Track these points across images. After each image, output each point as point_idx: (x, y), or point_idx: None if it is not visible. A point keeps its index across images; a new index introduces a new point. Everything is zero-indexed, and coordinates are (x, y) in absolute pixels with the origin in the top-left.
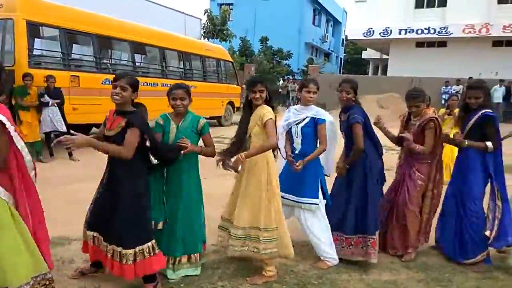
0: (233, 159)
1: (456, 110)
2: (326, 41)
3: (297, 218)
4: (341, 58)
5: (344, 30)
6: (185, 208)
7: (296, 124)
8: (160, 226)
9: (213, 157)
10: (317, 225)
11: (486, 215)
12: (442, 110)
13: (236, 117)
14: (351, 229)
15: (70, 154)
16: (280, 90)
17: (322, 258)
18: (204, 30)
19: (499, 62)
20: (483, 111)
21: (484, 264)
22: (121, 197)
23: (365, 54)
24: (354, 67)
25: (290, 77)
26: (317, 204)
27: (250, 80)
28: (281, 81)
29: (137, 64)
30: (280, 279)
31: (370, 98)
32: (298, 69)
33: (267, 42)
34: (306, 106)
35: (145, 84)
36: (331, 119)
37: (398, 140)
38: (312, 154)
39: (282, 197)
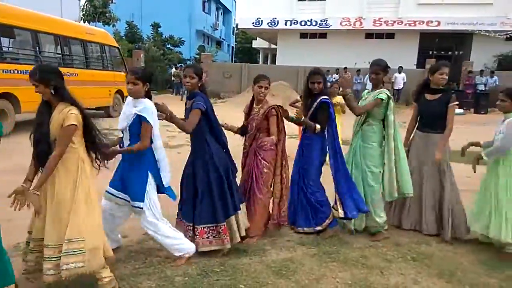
0: None
1: (337, 98)
2: (217, 29)
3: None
4: (232, 47)
5: (234, 19)
6: None
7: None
8: None
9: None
10: (153, 224)
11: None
12: None
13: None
14: (201, 219)
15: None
16: (172, 78)
17: (177, 254)
18: (84, 12)
19: (371, 52)
20: (322, 97)
21: (330, 228)
22: None
23: (255, 43)
24: (245, 56)
25: (183, 65)
26: (141, 208)
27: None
28: (173, 69)
29: (4, 49)
30: (182, 271)
31: None
32: (190, 57)
33: (158, 28)
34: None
35: (15, 71)
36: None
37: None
38: (124, 149)
39: (117, 196)
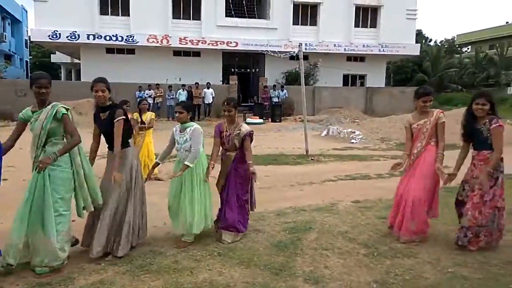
0: None
1: (148, 113)
2: (5, 41)
3: None
4: (26, 61)
5: (27, 31)
6: None
7: None
8: None
9: None
10: None
11: None
12: (136, 114)
13: None
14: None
15: None
16: None
17: None
18: None
19: (180, 69)
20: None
21: None
22: None
23: (54, 58)
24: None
25: None
26: None
27: None
28: None
29: None
30: None
31: (67, 104)
32: None
33: None
34: None
35: None
36: None
37: None
38: None
39: None
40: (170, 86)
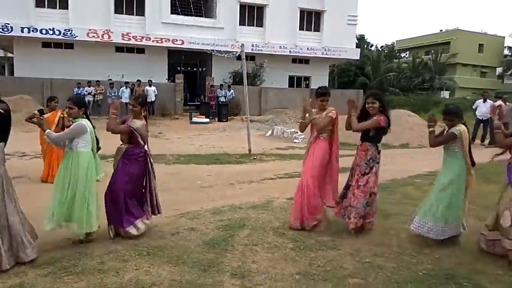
0: None
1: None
2: None
3: None
4: None
5: None
6: None
7: None
8: None
9: None
10: None
11: None
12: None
13: None
14: None
15: None
16: None
17: None
18: None
19: (123, 66)
20: None
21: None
22: None
23: None
24: None
25: None
26: None
27: None
28: None
29: None
30: None
31: None
32: None
33: None
34: None
35: None
36: None
37: None
38: None
39: None
40: (111, 83)
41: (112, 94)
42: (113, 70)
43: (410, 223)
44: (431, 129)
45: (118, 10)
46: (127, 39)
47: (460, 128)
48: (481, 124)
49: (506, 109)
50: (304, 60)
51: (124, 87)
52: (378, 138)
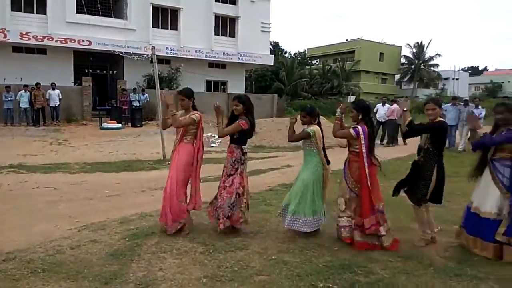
0: None
1: None
2: None
3: None
4: None
5: None
6: None
7: None
8: None
9: None
10: None
11: None
12: None
13: None
14: None
15: None
16: None
17: None
18: None
19: (22, 68)
20: None
21: None
22: None
23: None
24: None
25: None
26: None
27: None
28: None
29: None
30: None
31: None
32: None
33: None
34: None
35: None
36: None
37: None
38: None
39: None
40: (7, 87)
41: (8, 98)
42: (10, 72)
43: (282, 222)
44: (291, 125)
45: (15, 7)
46: (26, 38)
47: (314, 127)
48: (381, 126)
49: (398, 111)
50: (221, 65)
51: (23, 90)
52: (243, 141)
